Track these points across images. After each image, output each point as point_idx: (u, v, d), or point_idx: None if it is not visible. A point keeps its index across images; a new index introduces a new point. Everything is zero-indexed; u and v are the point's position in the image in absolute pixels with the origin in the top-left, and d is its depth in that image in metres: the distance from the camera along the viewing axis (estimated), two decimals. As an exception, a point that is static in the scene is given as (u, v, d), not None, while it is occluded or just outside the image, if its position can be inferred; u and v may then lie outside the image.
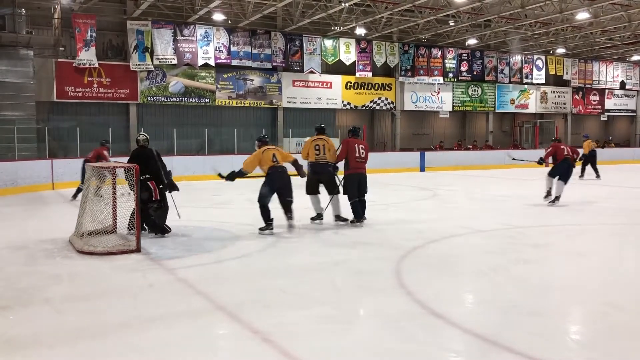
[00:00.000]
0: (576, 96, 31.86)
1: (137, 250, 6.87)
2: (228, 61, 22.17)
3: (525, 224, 9.33)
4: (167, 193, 8.07)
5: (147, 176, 7.76)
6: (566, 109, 31.82)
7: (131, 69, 20.72)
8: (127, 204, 7.55)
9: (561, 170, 11.01)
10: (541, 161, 11.43)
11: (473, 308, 5.06)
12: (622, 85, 32.88)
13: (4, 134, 17.18)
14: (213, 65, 21.95)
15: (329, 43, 24.01)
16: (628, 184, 15.09)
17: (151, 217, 7.83)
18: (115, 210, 7.83)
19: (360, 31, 23.14)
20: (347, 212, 8.96)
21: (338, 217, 8.94)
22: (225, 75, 22.57)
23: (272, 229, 8.15)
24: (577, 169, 14.09)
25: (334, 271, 6.12)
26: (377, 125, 27.74)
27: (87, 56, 19.72)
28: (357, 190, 8.75)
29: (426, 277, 5.81)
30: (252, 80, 23.12)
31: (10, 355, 3.75)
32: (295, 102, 24.15)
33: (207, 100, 22.35)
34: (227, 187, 13.57)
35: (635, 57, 31.60)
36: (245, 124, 22.54)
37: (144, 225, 7.77)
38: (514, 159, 14.39)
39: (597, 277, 5.95)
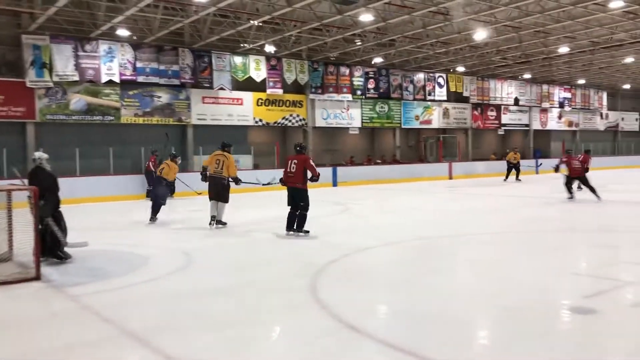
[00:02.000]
0: (475, 112, 33.74)
1: (37, 278, 6.43)
2: (134, 78, 21.44)
3: (434, 234, 9.70)
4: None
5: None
6: (467, 124, 33.60)
7: (27, 85, 19.49)
8: (24, 230, 7.04)
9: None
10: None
11: (387, 319, 5.17)
12: (516, 101, 35.22)
13: None
14: (118, 81, 21.14)
15: (238, 60, 23.91)
16: (530, 194, 16.12)
17: (47, 244, 7.34)
18: (12, 236, 7.30)
19: (270, 48, 23.25)
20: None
21: (219, 222, 10.48)
22: (131, 92, 21.81)
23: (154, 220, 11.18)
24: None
25: (247, 290, 6.04)
26: (289, 141, 27.83)
27: (-23, 72, 18.37)
28: (292, 202, 9.55)
29: (341, 291, 5.87)
30: (160, 97, 22.50)
31: None
32: (205, 119, 23.76)
33: (112, 117, 21.47)
34: (136, 208, 13.09)
35: (526, 75, 34.03)
36: (154, 142, 21.84)
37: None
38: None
39: (499, 283, 6.27)
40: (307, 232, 9.42)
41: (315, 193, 18.04)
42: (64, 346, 4.33)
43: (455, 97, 32.39)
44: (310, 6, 18.28)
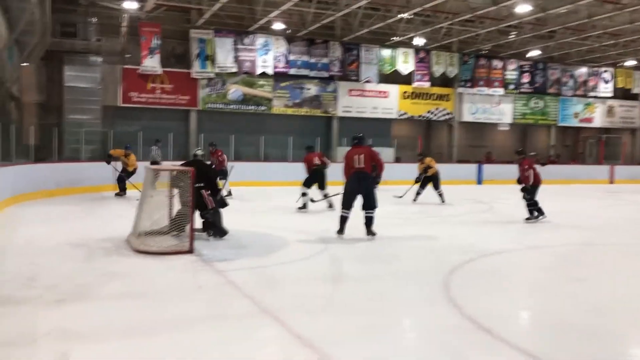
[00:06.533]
0: (646, 110, 30.42)
1: (190, 251, 7.04)
2: (286, 70, 22.48)
3: (583, 241, 8.97)
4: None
5: (200, 185, 8.07)
6: (635, 123, 30.40)
7: (192, 76, 21.34)
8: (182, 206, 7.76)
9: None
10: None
11: (524, 325, 4.90)
12: (698, 100, 31.11)
13: (72, 136, 18.04)
14: (271, 74, 22.31)
15: (386, 53, 23.94)
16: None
17: (209, 221, 8.08)
18: (171, 211, 8.08)
19: (419, 41, 22.96)
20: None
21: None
22: (282, 84, 22.89)
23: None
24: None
25: (381, 280, 6.07)
26: (433, 136, 27.40)
27: (151, 63, 20.46)
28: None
29: (476, 292, 5.67)
30: (309, 89, 23.33)
31: (64, 346, 3.92)
32: (350, 112, 24.18)
33: (264, 108, 22.72)
34: (279, 194, 13.71)
35: None
36: (301, 133, 22.66)
37: (204, 231, 8.08)
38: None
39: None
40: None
41: (458, 190, 17.59)
42: (206, 316, 4.69)
43: (623, 93, 29.45)
44: (463, -3, 17.73)
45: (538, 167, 10.49)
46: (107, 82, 20.06)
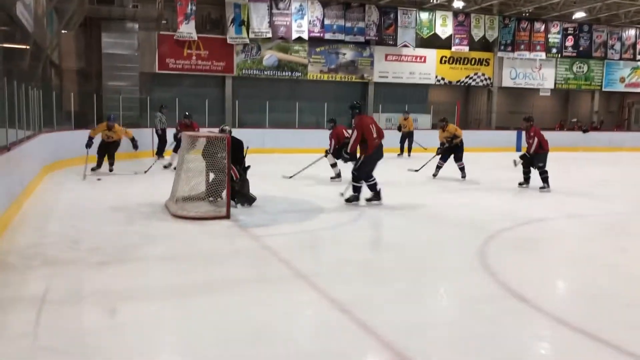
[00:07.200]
0: (699, 74, 29.04)
1: (227, 216, 7.14)
2: (321, 35, 22.20)
3: (628, 210, 8.72)
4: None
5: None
6: (685, 88, 29.12)
7: (228, 42, 21.29)
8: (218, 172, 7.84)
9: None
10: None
11: (560, 294, 4.84)
12: None
13: (110, 103, 18.32)
14: (306, 39, 22.07)
15: (424, 16, 23.37)
16: None
17: (236, 190, 8.14)
18: (208, 177, 8.19)
19: (458, 4, 22.30)
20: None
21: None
22: (317, 49, 22.64)
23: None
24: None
25: (416, 247, 6.06)
26: (472, 101, 26.82)
27: (187, 29, 20.48)
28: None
29: (512, 260, 5.60)
30: (344, 54, 23.03)
31: (107, 305, 4.06)
32: (387, 77, 23.82)
33: (300, 74, 22.57)
34: (313, 161, 13.71)
35: None
36: (336, 98, 22.46)
37: (232, 199, 8.08)
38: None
39: None
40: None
41: (496, 157, 17.24)
42: (242, 280, 4.78)
43: (674, 56, 28.14)
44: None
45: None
46: (144, 48, 20.20)
